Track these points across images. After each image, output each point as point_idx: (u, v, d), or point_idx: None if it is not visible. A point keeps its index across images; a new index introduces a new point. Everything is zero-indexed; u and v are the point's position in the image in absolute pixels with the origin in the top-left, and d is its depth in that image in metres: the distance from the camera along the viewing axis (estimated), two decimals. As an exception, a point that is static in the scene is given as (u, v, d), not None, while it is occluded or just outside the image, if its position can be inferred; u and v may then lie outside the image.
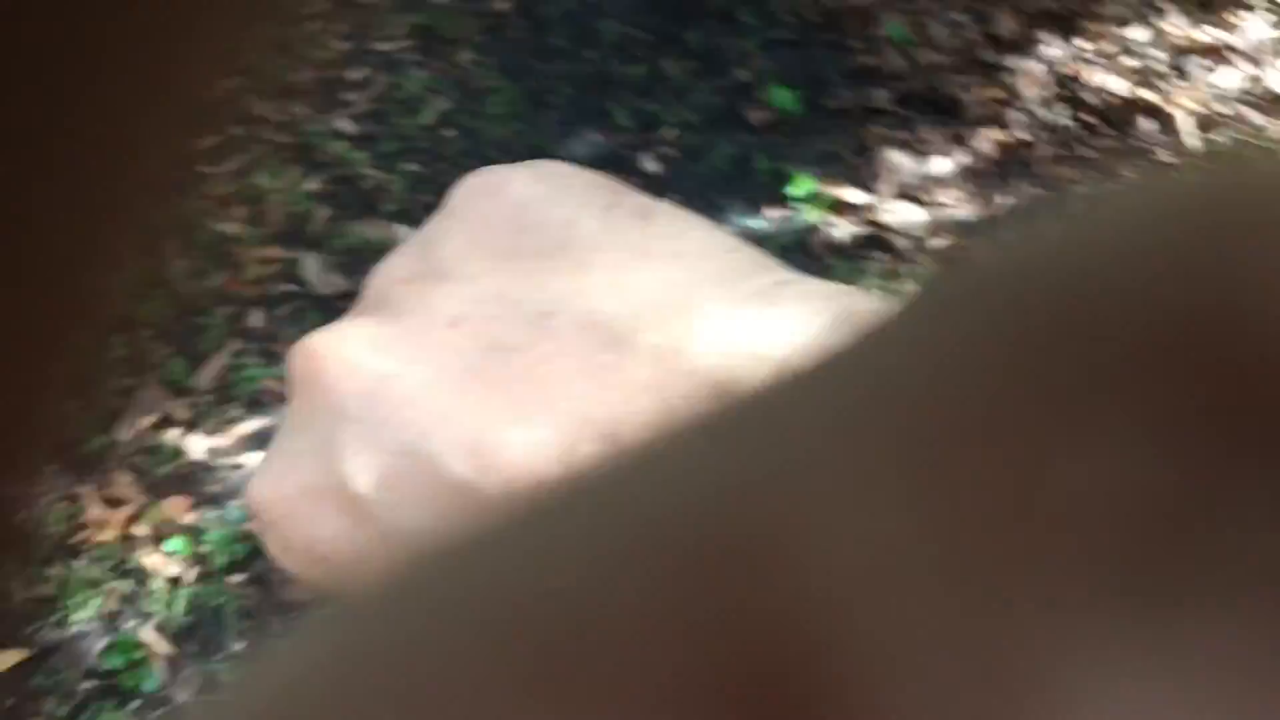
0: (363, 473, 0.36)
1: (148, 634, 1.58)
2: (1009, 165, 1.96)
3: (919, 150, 1.97)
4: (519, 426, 0.35)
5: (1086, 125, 2.01)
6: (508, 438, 0.35)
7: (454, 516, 0.35)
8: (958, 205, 1.92)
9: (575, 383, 0.35)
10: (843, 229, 1.90)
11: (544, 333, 0.36)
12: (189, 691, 1.58)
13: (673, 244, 0.37)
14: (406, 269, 0.40)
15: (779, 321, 0.34)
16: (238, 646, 1.66)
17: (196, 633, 1.67)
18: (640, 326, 0.35)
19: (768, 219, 1.91)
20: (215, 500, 1.75)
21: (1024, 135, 1.99)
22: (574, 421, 0.34)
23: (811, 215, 1.91)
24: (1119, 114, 2.03)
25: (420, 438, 0.36)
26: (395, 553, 0.37)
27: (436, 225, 0.40)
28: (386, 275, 0.40)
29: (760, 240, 1.79)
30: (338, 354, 0.39)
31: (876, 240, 1.89)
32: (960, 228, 1.89)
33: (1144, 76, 2.08)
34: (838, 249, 1.87)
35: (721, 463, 0.12)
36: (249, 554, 1.69)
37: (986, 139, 1.98)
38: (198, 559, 1.72)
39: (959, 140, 1.98)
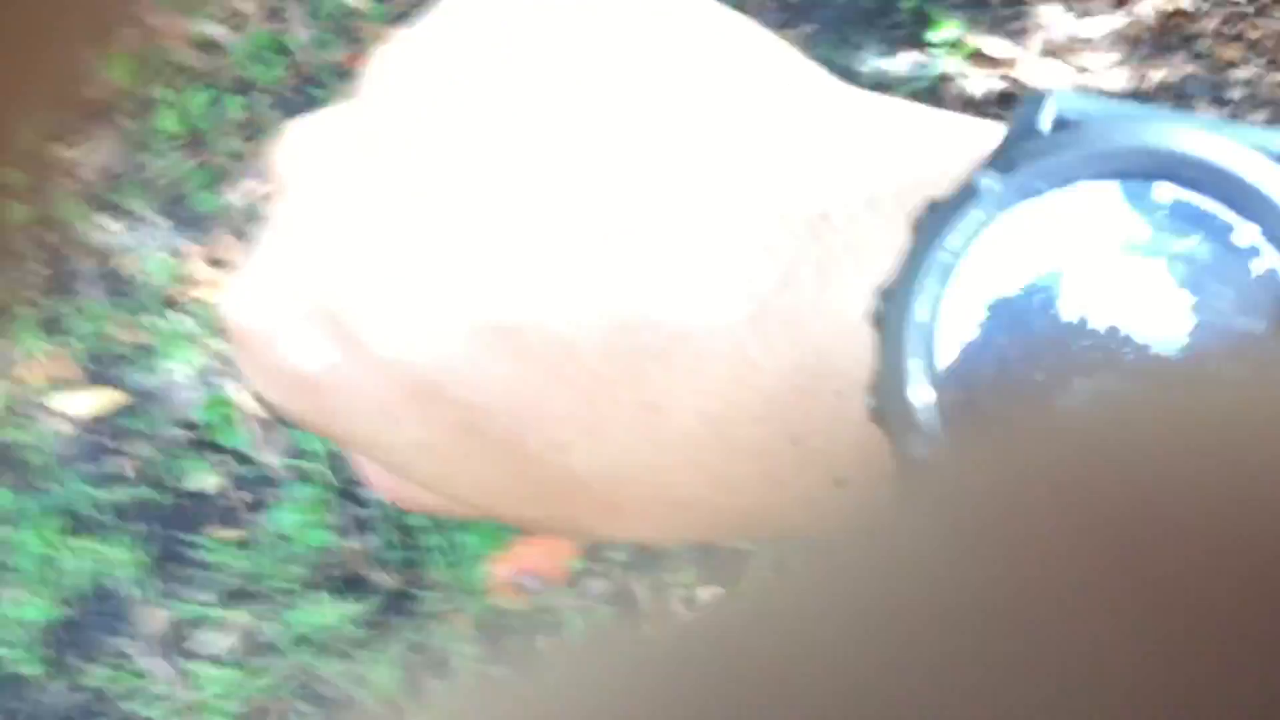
0: (355, 291, 0.31)
1: (240, 394, 1.62)
2: (1168, 37, 1.83)
3: (1074, 8, 1.85)
4: (537, 246, 0.30)
5: (1259, 5, 1.87)
6: (523, 258, 0.30)
7: (465, 349, 0.30)
8: (1106, 72, 1.81)
9: (616, 209, 0.29)
10: (979, 81, 1.81)
11: (585, 120, 0.30)
12: (276, 453, 1.64)
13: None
14: (423, 40, 0.32)
15: (853, 141, 0.29)
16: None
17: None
18: (702, 139, 0.30)
19: (902, 62, 1.82)
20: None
21: (1188, 5, 1.85)
22: (610, 243, 0.29)
23: (948, 64, 1.81)
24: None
25: (426, 252, 0.30)
26: (401, 391, 0.31)
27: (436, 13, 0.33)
28: (382, 63, 0.33)
29: (889, 86, 1.72)
30: (325, 148, 0.32)
31: (1011, 98, 1.79)
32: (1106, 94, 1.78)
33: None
34: (970, 102, 1.79)
35: None
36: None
37: (1149, 4, 1.85)
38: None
39: (1119, 2, 1.85)
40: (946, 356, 0.26)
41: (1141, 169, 0.26)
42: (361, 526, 1.59)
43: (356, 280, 0.31)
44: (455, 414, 0.31)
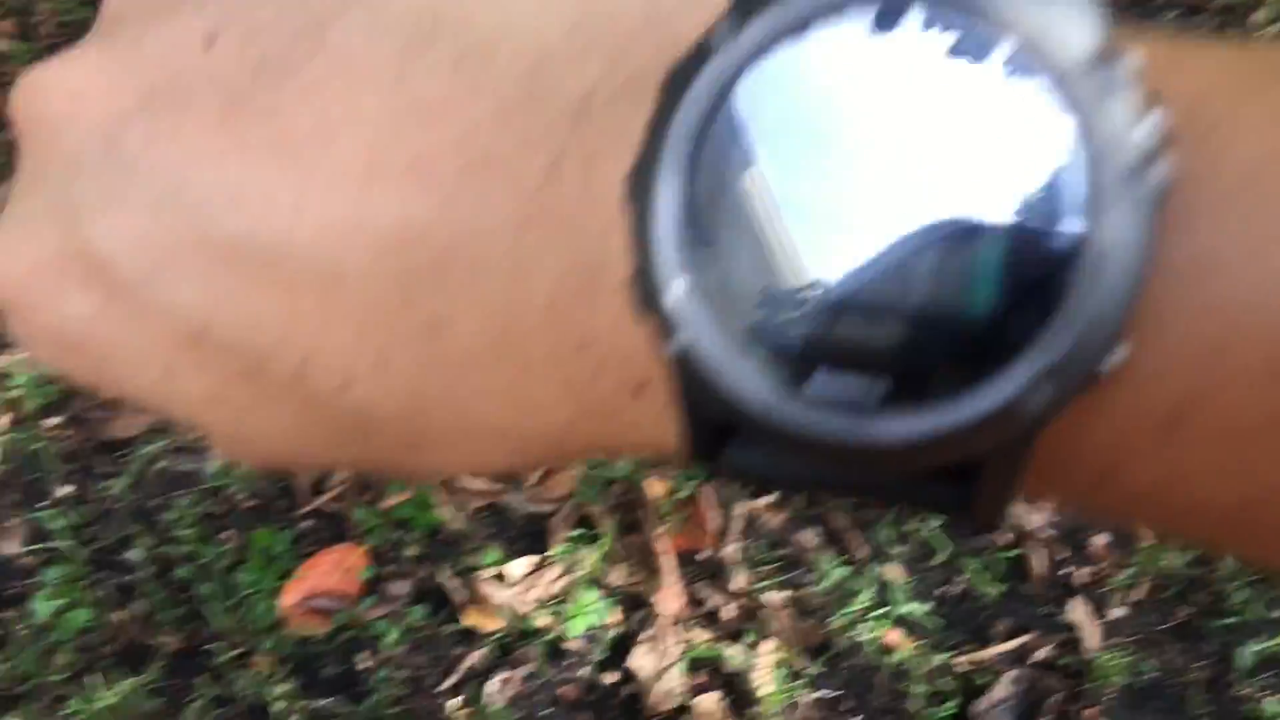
0: (108, 236, 0.29)
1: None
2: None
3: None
4: (296, 169, 0.27)
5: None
6: (281, 183, 0.27)
7: (229, 285, 0.28)
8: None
9: (363, 107, 0.27)
10: None
11: (320, 45, 0.28)
12: (16, 543, 1.49)
13: None
14: None
15: (614, 10, 0.27)
16: (62, 491, 1.57)
17: (16, 481, 1.57)
18: (442, 32, 0.27)
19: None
20: (17, 343, 1.63)
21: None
22: (369, 160, 0.27)
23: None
24: None
25: (176, 189, 0.28)
26: (171, 339, 0.29)
27: None
28: None
29: None
30: (67, 90, 0.30)
31: None
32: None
33: None
34: None
35: None
36: (63, 395, 1.58)
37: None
38: (8, 405, 1.60)
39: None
40: (704, 238, 0.24)
41: (885, 8, 0.23)
42: (127, 593, 1.48)
43: (109, 223, 0.29)
44: (230, 359, 0.29)
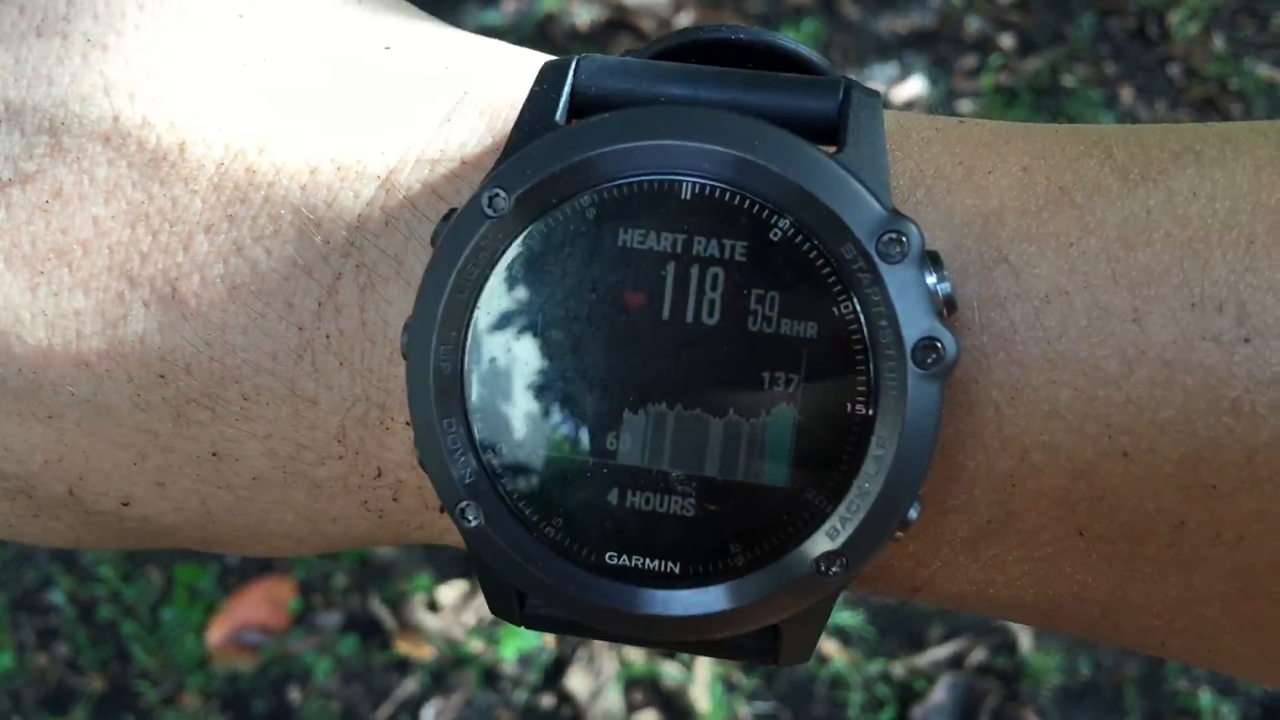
0: None
1: None
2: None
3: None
4: (43, 294, 0.25)
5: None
6: (28, 310, 0.25)
7: (17, 424, 0.26)
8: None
9: (110, 226, 0.25)
10: (585, 14, 1.80)
11: (57, 153, 0.25)
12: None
13: (235, 2, 0.26)
14: None
15: (382, 117, 0.25)
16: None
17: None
18: (192, 137, 0.25)
19: (504, 12, 1.79)
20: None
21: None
22: (123, 285, 0.25)
23: (550, 2, 1.80)
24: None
25: None
26: None
27: None
28: None
29: (499, 33, 1.68)
30: None
31: (621, 24, 1.80)
32: None
33: None
34: (579, 35, 1.78)
35: None
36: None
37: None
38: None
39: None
40: (482, 410, 0.23)
41: (661, 166, 0.22)
42: (48, 636, 1.44)
43: None
44: None
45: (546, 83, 0.24)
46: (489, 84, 0.26)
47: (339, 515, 0.27)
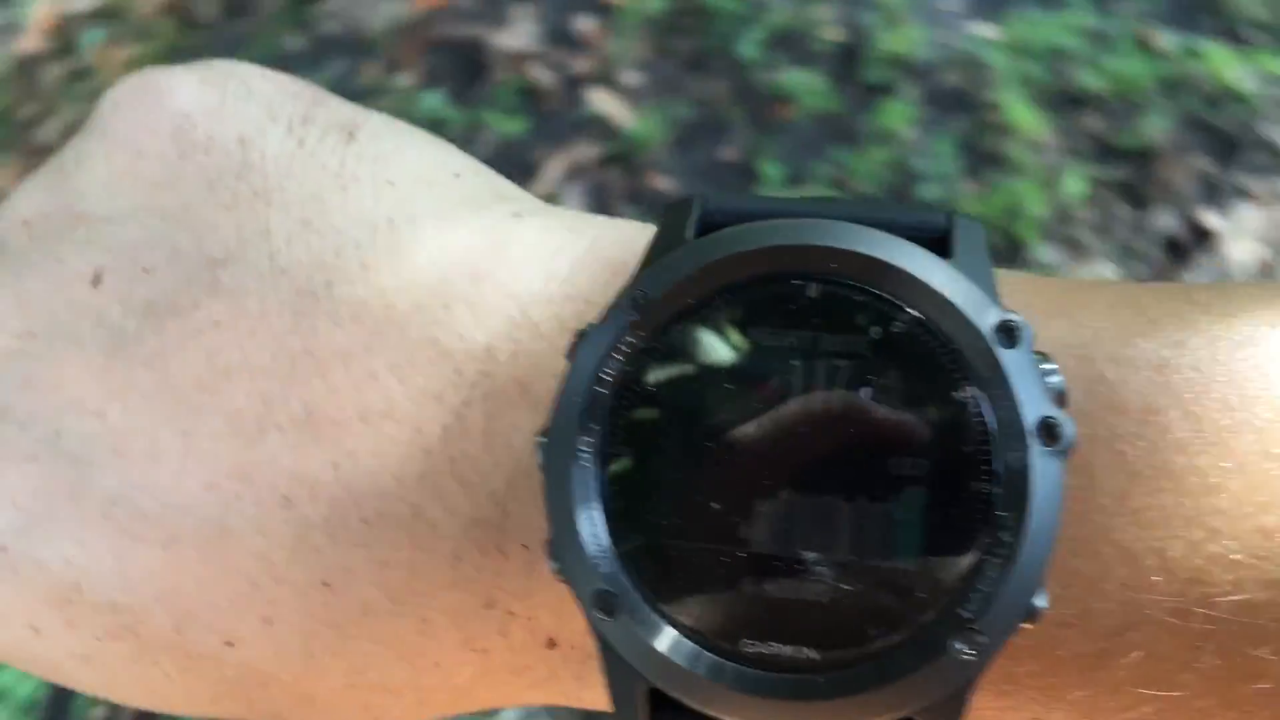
0: None
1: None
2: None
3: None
4: (182, 419, 0.27)
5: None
6: (166, 434, 0.27)
7: (105, 541, 0.27)
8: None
9: (255, 354, 0.27)
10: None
11: (213, 289, 0.27)
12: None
13: (384, 168, 0.29)
14: (33, 207, 0.30)
15: (513, 264, 0.27)
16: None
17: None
18: (338, 278, 0.27)
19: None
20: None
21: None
22: (260, 410, 0.27)
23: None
24: None
25: (54, 438, 0.27)
26: (35, 597, 0.27)
27: (76, 147, 0.30)
28: (8, 215, 0.30)
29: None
30: None
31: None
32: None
33: None
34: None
35: None
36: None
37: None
38: None
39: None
40: (623, 505, 0.24)
41: (790, 268, 0.25)
42: None
43: None
44: (103, 618, 0.27)
45: (675, 213, 0.26)
46: (613, 240, 0.28)
47: (441, 658, 0.27)
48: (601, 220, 0.29)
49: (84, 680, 0.29)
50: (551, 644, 0.27)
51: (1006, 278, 0.27)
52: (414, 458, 0.26)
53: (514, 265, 0.27)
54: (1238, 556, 0.23)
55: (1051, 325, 0.25)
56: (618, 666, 0.25)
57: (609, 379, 0.25)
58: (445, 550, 0.26)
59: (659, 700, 0.25)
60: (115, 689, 0.29)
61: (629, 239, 0.28)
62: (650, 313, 0.25)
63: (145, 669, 0.28)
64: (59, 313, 0.28)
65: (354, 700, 0.28)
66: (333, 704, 0.29)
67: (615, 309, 0.25)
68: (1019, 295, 0.26)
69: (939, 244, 0.25)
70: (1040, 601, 0.23)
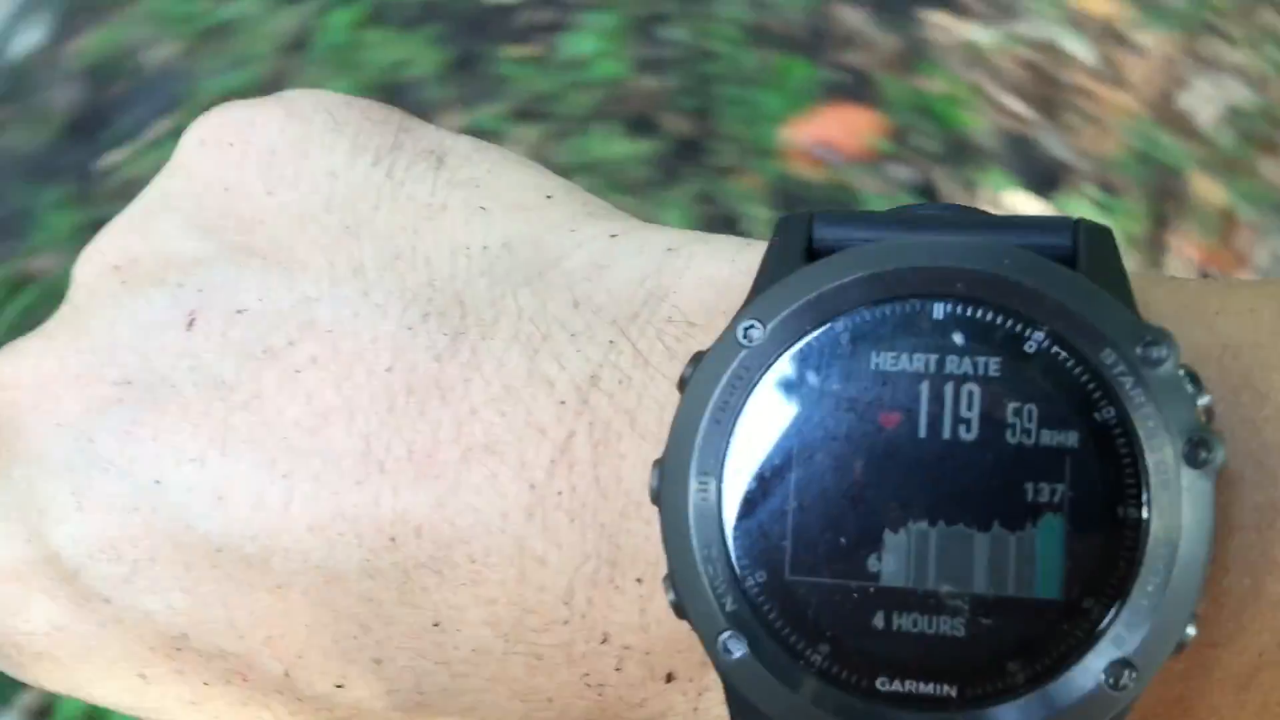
0: (79, 541, 0.27)
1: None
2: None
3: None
4: (284, 462, 0.26)
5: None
6: (268, 479, 0.26)
7: (211, 589, 0.26)
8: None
9: (353, 393, 0.26)
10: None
11: (309, 328, 0.27)
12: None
13: (475, 194, 0.28)
14: (121, 250, 0.29)
15: (611, 288, 0.27)
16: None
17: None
18: (434, 310, 0.27)
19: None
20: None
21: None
22: (363, 450, 0.26)
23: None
24: None
25: (154, 487, 0.27)
26: (143, 646, 0.27)
27: (161, 186, 0.30)
28: (96, 260, 0.30)
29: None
30: (33, 380, 0.29)
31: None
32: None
33: None
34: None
35: None
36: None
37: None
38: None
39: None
40: (743, 536, 0.24)
41: (912, 290, 0.24)
42: (657, 66, 1.47)
43: (80, 526, 0.27)
44: (212, 665, 0.27)
45: (787, 232, 0.25)
46: (714, 258, 0.27)
47: (555, 694, 0.26)
48: (701, 237, 0.28)
49: None
50: (670, 678, 0.26)
51: (1138, 280, 0.25)
52: (520, 492, 0.25)
53: (612, 289, 0.27)
54: None
55: (1189, 332, 0.24)
56: (745, 709, 0.24)
57: (725, 409, 0.24)
58: (558, 586, 0.25)
59: None
60: None
61: (731, 256, 0.27)
62: (768, 341, 0.24)
63: (255, 711, 0.28)
64: (154, 359, 0.27)
65: None
66: None
67: (729, 335, 0.24)
68: (1153, 298, 0.25)
69: (1067, 255, 0.24)
70: (1191, 630, 0.22)
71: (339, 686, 0.27)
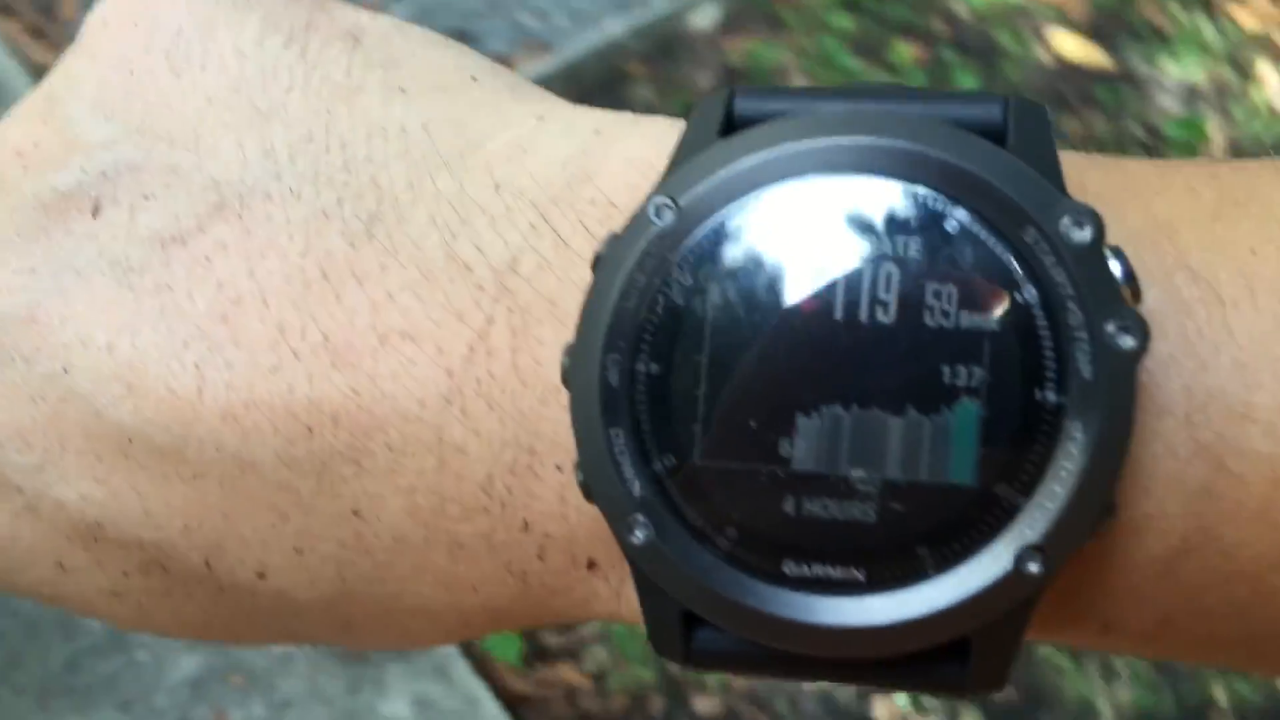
0: None
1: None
2: None
3: None
4: (196, 350, 0.25)
5: None
6: (180, 367, 0.25)
7: (125, 479, 0.25)
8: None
9: (266, 279, 0.25)
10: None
11: (218, 212, 0.26)
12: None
13: (394, 74, 0.27)
14: (24, 135, 0.28)
15: (533, 170, 0.26)
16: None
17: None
18: (348, 194, 0.26)
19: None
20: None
21: None
22: (276, 337, 0.25)
23: None
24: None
25: (63, 376, 0.26)
26: (60, 537, 0.27)
27: (65, 70, 0.29)
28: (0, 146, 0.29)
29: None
30: None
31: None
32: None
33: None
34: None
35: None
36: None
37: None
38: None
39: None
40: (655, 424, 0.23)
41: (829, 165, 0.23)
42: None
43: None
44: (131, 554, 0.27)
45: (704, 109, 0.24)
46: (640, 139, 0.26)
47: (479, 582, 0.26)
48: (631, 118, 0.27)
49: (118, 615, 0.29)
50: (591, 565, 0.26)
51: (1073, 160, 0.24)
52: (437, 380, 0.25)
53: (535, 172, 0.26)
54: None
55: (1125, 213, 0.23)
56: (652, 591, 0.24)
57: (636, 291, 0.23)
58: (477, 474, 0.25)
59: (697, 620, 0.24)
60: (150, 623, 0.29)
61: (659, 136, 0.26)
62: (681, 220, 0.23)
63: (178, 603, 0.28)
64: (59, 246, 0.27)
65: (393, 625, 0.28)
66: (371, 628, 0.28)
67: (639, 216, 0.23)
68: (1089, 178, 0.24)
69: (997, 131, 0.23)
70: (1107, 517, 0.22)
71: (260, 576, 0.27)
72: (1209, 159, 0.26)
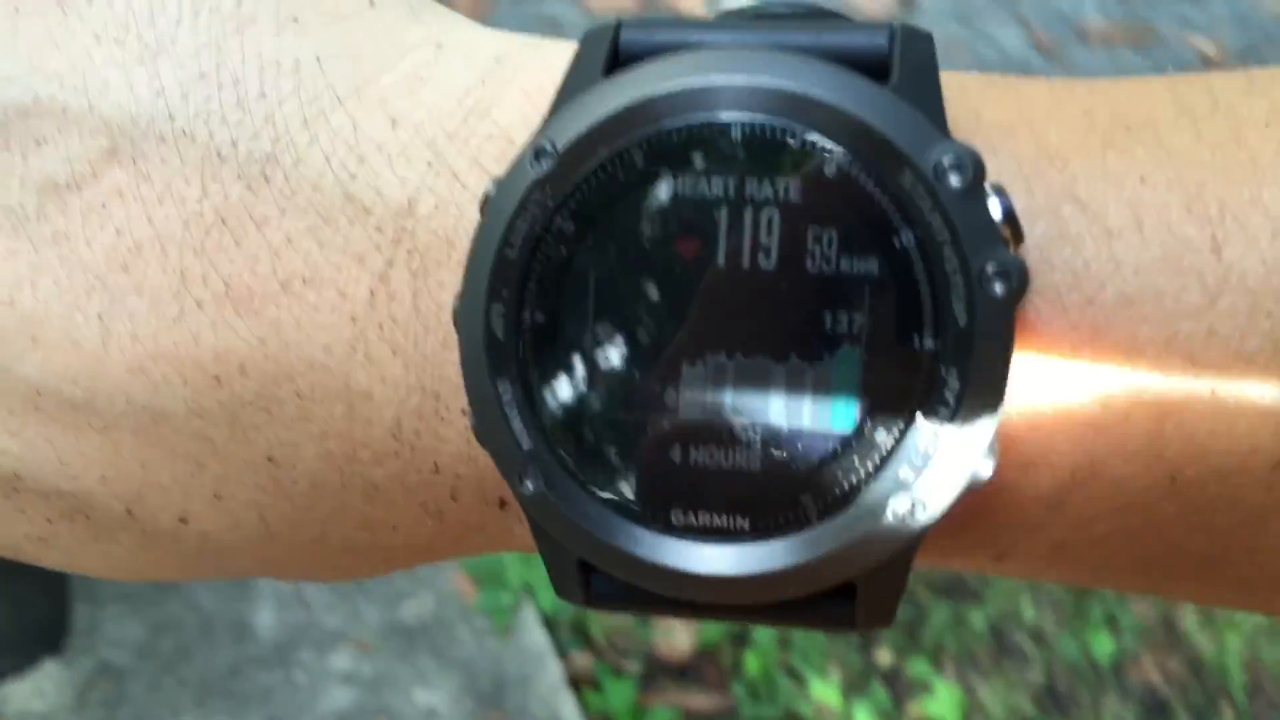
0: None
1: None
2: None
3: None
4: (97, 300, 0.25)
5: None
6: (82, 317, 0.25)
7: (37, 431, 0.25)
8: None
9: (165, 225, 0.25)
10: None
11: (112, 156, 0.25)
12: None
13: (288, 3, 0.26)
14: None
15: (430, 104, 0.25)
16: None
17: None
18: (243, 134, 0.25)
19: None
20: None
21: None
22: (177, 286, 0.25)
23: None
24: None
25: None
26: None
27: None
28: None
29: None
30: None
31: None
32: None
33: None
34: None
35: None
36: None
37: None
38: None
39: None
40: (541, 374, 0.23)
41: (709, 108, 0.22)
42: None
43: None
44: (52, 504, 0.27)
45: (590, 44, 0.24)
46: (538, 68, 0.25)
47: (398, 522, 0.26)
48: (533, 43, 0.26)
49: (49, 559, 0.29)
50: (503, 504, 0.26)
51: (962, 83, 0.24)
52: (340, 326, 0.24)
53: (432, 105, 0.25)
54: (1217, 387, 0.22)
55: (1017, 143, 0.23)
56: (546, 539, 0.24)
57: (518, 238, 0.23)
58: (385, 419, 0.25)
59: (593, 567, 0.24)
60: (82, 565, 0.29)
61: (560, 66, 0.25)
62: (561, 165, 0.22)
63: (106, 546, 0.28)
64: None
65: (321, 561, 0.28)
66: (300, 566, 0.28)
67: (520, 161, 0.23)
68: (984, 102, 0.23)
69: (882, 60, 0.22)
70: (989, 460, 0.22)
71: (183, 521, 0.27)
72: (1117, 78, 0.25)
